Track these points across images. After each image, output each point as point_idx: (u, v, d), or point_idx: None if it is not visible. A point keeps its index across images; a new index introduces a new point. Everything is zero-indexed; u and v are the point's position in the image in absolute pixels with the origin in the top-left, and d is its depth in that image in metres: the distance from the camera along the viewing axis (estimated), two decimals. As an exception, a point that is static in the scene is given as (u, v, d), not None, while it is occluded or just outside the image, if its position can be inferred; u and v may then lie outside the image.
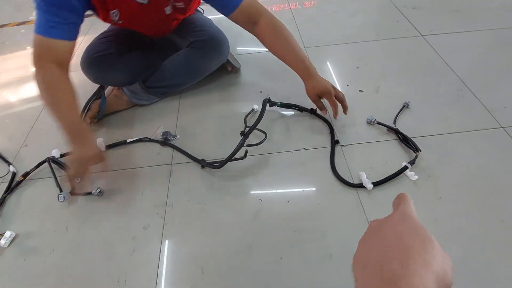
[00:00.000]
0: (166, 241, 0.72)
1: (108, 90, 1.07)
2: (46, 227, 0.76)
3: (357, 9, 1.43)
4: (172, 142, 0.91)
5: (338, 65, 1.15)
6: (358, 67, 1.12)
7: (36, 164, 0.88)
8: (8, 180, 0.85)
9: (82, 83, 0.98)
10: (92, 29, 1.37)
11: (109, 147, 0.92)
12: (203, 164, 0.83)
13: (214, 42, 0.95)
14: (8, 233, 0.72)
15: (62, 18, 0.70)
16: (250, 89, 1.08)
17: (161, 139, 0.91)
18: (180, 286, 0.65)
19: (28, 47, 1.43)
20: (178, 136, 0.94)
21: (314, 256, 0.66)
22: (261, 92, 1.07)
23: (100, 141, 0.91)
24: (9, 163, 0.89)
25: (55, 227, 0.76)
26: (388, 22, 1.34)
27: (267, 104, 0.87)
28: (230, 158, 0.78)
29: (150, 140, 0.92)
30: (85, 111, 0.94)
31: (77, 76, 0.92)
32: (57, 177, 0.84)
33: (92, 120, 0.95)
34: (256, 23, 0.84)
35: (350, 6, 1.45)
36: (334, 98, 0.83)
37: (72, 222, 0.77)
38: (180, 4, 0.90)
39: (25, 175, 0.86)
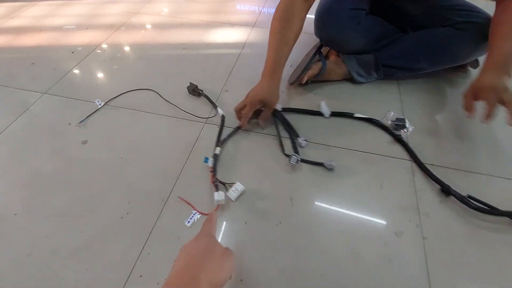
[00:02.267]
0: (430, 264, 0.53)
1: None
2: (267, 190, 0.63)
3: None
4: (404, 134, 0.73)
5: None
6: None
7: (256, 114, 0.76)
8: (219, 124, 0.76)
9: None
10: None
11: (334, 114, 0.78)
12: (449, 192, 0.60)
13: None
14: (239, 186, 0.60)
15: None
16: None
17: (394, 126, 0.74)
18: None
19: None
20: (410, 128, 0.75)
21: None
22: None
23: (324, 105, 0.78)
24: (216, 106, 0.80)
25: (279, 194, 0.62)
26: None
27: None
28: None
29: (381, 124, 0.75)
30: (306, 70, 0.80)
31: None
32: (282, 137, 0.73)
33: (308, 80, 0.82)
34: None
35: None
36: (498, 98, 0.63)
37: (296, 193, 0.63)
38: None
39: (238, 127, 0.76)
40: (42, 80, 0.92)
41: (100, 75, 0.95)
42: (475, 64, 0.88)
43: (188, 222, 0.58)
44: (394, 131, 0.73)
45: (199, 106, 0.82)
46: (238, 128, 0.75)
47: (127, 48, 1.06)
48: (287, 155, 0.67)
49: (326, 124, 0.77)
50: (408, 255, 0.54)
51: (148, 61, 1.00)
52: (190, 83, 0.85)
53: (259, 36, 1.11)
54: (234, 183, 0.61)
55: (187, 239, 0.42)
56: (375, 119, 0.75)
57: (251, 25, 1.17)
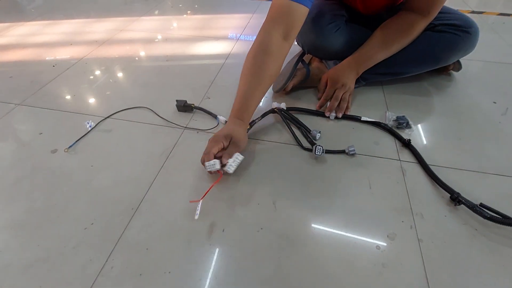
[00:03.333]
0: (428, 270, 0.47)
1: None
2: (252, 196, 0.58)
3: None
4: (407, 133, 0.71)
5: None
6: None
7: (262, 114, 0.74)
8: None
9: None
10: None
11: (345, 117, 0.76)
12: (459, 200, 0.55)
13: (469, 28, 0.75)
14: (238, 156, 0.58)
15: None
16: (477, 97, 0.84)
17: (396, 126, 0.72)
18: None
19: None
20: (413, 126, 0.73)
21: None
22: (494, 103, 0.82)
23: (283, 104, 0.76)
24: (215, 116, 0.76)
25: (261, 199, 0.57)
26: None
27: None
28: None
29: (385, 127, 0.72)
30: (291, 77, 0.79)
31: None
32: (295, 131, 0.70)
33: (293, 86, 0.81)
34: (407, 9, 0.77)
35: None
36: (337, 93, 0.77)
37: (279, 196, 0.58)
38: None
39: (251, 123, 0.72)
40: (18, 92, 0.89)
41: (79, 86, 0.92)
42: (457, 66, 0.88)
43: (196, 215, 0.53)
44: (395, 129, 0.71)
45: (176, 114, 0.79)
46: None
47: (109, 61, 1.05)
48: (306, 149, 0.66)
49: (330, 126, 0.74)
50: (404, 268, 0.48)
51: (128, 71, 0.99)
52: (176, 100, 0.79)
53: (243, 47, 1.12)
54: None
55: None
56: (382, 123, 0.73)
57: (235, 38, 1.18)
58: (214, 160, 0.56)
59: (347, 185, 0.60)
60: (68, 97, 0.87)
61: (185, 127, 0.74)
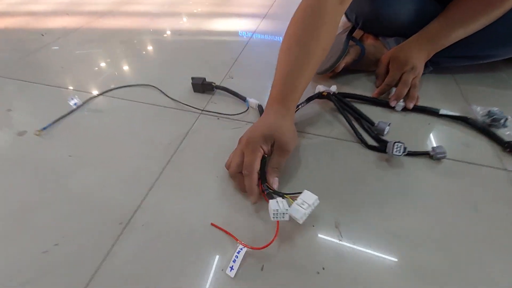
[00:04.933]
0: None
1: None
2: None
3: None
4: (505, 135, 0.50)
5: None
6: None
7: (308, 97, 0.55)
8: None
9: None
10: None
11: (416, 109, 0.56)
12: None
13: None
14: (309, 196, 0.34)
15: None
16: None
17: (489, 123, 0.52)
18: None
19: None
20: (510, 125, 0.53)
21: None
22: None
23: (334, 88, 0.57)
24: (244, 98, 0.57)
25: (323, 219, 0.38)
26: None
27: None
28: None
29: (475, 124, 0.52)
30: (344, 54, 0.60)
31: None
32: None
33: (345, 66, 0.62)
34: None
35: None
36: (406, 77, 0.57)
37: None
38: None
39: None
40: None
41: (70, 58, 0.74)
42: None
43: (231, 269, 0.32)
44: (489, 128, 0.51)
45: (190, 94, 0.61)
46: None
47: (110, 33, 0.87)
48: (372, 147, 0.47)
49: (395, 120, 0.54)
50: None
51: (131, 45, 0.81)
52: (192, 78, 0.60)
53: (272, 25, 0.93)
54: (298, 192, 0.36)
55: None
56: (470, 119, 0.53)
57: (262, 16, 1.00)
58: (281, 201, 0.34)
59: (443, 204, 0.40)
60: (54, 69, 0.69)
61: (202, 111, 0.55)
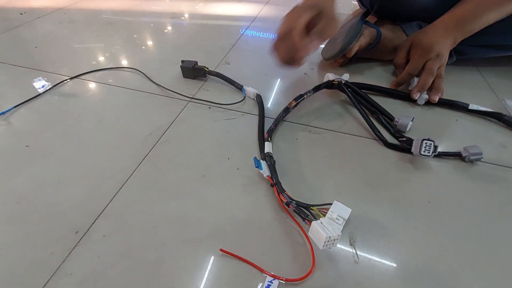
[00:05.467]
0: None
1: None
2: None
3: None
4: None
5: None
6: None
7: (316, 86, 0.47)
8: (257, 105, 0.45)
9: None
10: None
11: (441, 103, 0.47)
12: None
13: None
14: (341, 209, 0.27)
15: None
16: None
17: None
18: None
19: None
20: None
21: None
22: None
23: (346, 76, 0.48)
24: (240, 86, 0.49)
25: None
26: None
27: None
28: None
29: (507, 118, 0.44)
30: (358, 36, 0.53)
31: None
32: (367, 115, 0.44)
33: (358, 50, 0.54)
34: None
35: None
36: (431, 65, 0.49)
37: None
38: None
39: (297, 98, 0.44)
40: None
41: (47, 38, 0.66)
42: None
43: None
44: None
45: (179, 80, 0.53)
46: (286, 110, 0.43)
47: (95, 13, 0.78)
48: (392, 146, 0.39)
49: (417, 114, 0.46)
50: None
51: (118, 26, 0.72)
52: (182, 61, 0.52)
53: (275, 11, 0.85)
54: (328, 204, 0.28)
55: None
56: (506, 115, 0.45)
57: (265, 1, 0.92)
58: (327, 222, 0.26)
59: (484, 218, 0.32)
60: (26, 49, 0.61)
61: (191, 98, 0.47)
